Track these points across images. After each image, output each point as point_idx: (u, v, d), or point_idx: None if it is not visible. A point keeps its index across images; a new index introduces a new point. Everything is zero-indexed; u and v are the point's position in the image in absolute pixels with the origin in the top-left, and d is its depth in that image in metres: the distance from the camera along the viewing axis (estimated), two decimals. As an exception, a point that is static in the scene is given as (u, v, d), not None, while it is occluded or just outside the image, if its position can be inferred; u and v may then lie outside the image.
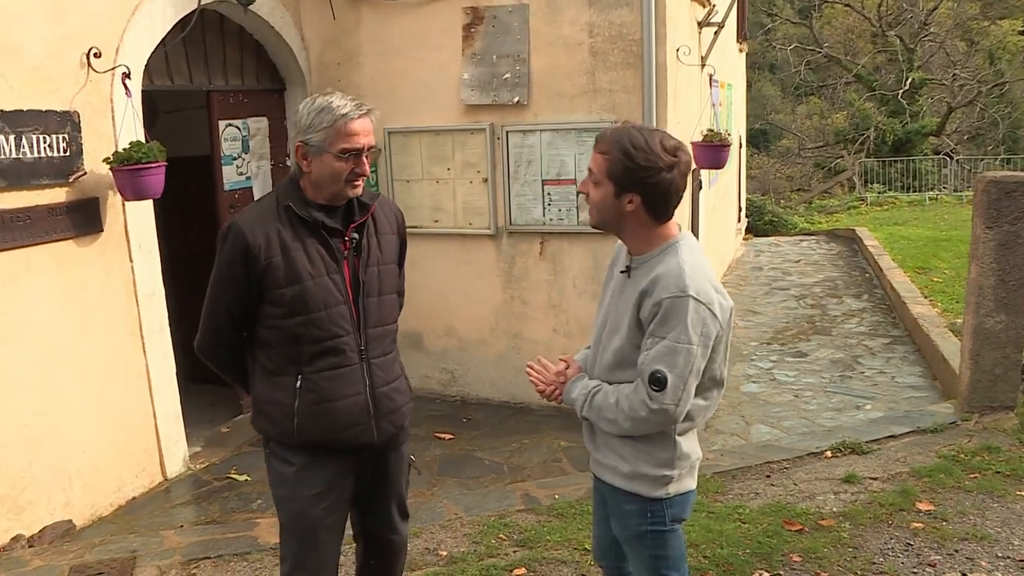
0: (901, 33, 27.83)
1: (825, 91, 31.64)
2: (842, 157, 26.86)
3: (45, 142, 4.48)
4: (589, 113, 6.04)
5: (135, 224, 5.06)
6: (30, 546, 4.49)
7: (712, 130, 6.39)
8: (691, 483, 2.57)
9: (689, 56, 6.47)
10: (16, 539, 4.48)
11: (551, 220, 6.28)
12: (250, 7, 5.76)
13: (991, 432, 5.42)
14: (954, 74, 26.69)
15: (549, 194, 6.24)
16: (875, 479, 4.82)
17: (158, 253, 5.25)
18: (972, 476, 4.79)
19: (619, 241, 2.61)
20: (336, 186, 2.63)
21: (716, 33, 7.52)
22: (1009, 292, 5.58)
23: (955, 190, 20.98)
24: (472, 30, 6.23)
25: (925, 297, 9.07)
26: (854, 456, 5.21)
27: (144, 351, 5.15)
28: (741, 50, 12.71)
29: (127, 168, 4.67)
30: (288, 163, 6.67)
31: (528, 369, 2.67)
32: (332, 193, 2.65)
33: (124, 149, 4.72)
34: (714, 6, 7.43)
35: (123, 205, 4.97)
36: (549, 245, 6.33)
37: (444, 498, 4.90)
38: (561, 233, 6.28)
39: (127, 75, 4.84)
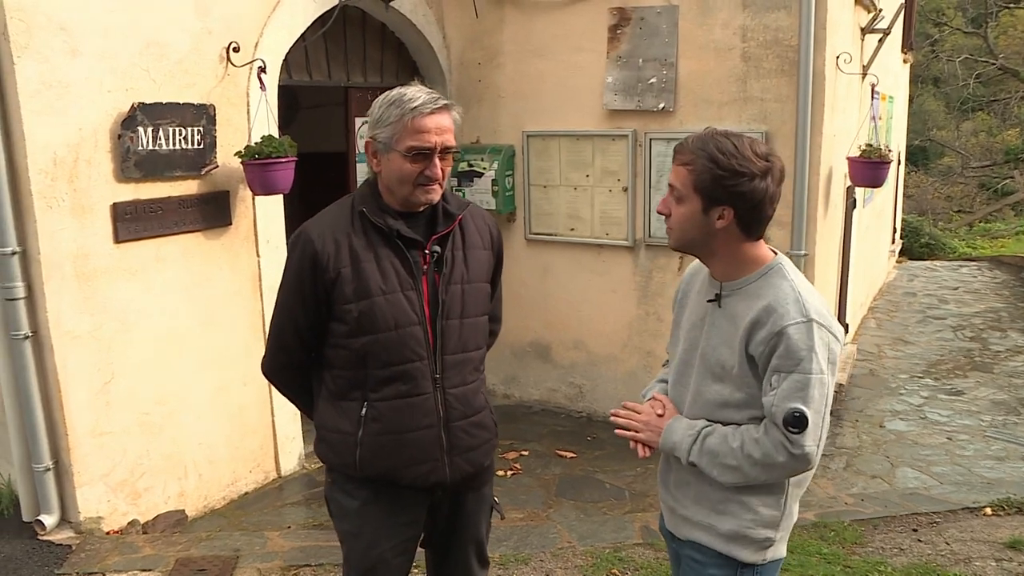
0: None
1: (996, 106, 29.54)
2: (1012, 178, 24.99)
3: (180, 134, 4.49)
4: (739, 122, 5.65)
5: (264, 219, 5.05)
6: (144, 532, 4.52)
7: (871, 145, 5.88)
8: (784, 549, 2.23)
9: (850, 64, 5.98)
10: (132, 524, 4.53)
11: (689, 234, 5.91)
12: (392, 4, 5.68)
13: None
14: None
15: (689, 207, 5.88)
16: (1047, 548, 4.26)
17: (285, 250, 5.21)
18: None
19: (694, 263, 2.30)
20: (404, 190, 2.33)
21: (881, 40, 6.96)
22: None
23: None
24: (618, 31, 5.95)
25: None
26: (1021, 517, 4.64)
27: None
28: (905, 61, 11.88)
29: (257, 162, 4.64)
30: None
31: (613, 415, 2.32)
32: (402, 198, 2.36)
33: (255, 143, 4.70)
34: (880, 11, 6.88)
35: (253, 199, 4.95)
36: (689, 260, 5.93)
37: (558, 522, 4.65)
38: (699, 249, 5.91)
39: (263, 69, 4.81)
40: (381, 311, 2.32)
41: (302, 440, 5.48)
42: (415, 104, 2.29)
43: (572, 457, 5.80)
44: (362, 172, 6.01)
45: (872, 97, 7.35)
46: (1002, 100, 29.09)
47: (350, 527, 2.49)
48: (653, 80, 5.87)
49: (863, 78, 6.89)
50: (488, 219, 2.63)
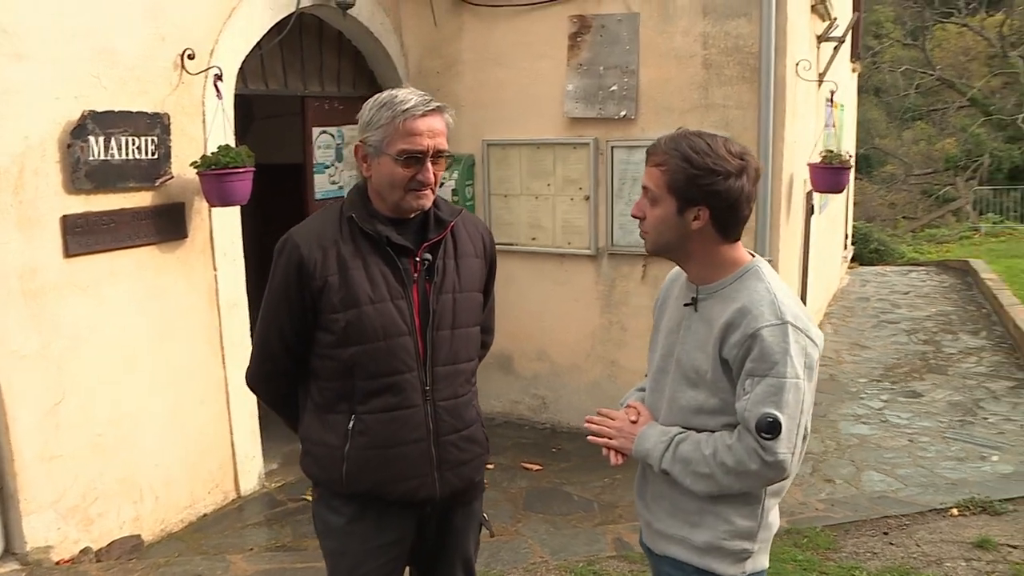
0: None
1: (934, 116, 30.29)
2: (952, 184, 25.61)
3: (133, 144, 4.33)
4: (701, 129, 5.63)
5: (220, 231, 4.89)
6: (97, 560, 4.32)
7: (831, 151, 5.92)
8: (765, 560, 2.17)
9: (808, 72, 6.02)
10: (84, 552, 4.33)
11: (653, 242, 5.88)
12: (349, 11, 5.57)
13: None
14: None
15: (652, 214, 5.85)
16: (1014, 547, 4.28)
17: (243, 262, 5.06)
18: None
19: (674, 269, 2.24)
20: (395, 195, 2.25)
21: (836, 48, 7.03)
22: None
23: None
24: (578, 39, 5.91)
25: (1057, 340, 8.37)
26: (986, 516, 4.67)
27: (223, 363, 4.97)
28: (854, 70, 12.08)
29: (214, 172, 4.49)
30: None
31: (588, 422, 2.24)
32: (393, 203, 2.27)
33: (212, 153, 4.55)
34: (835, 20, 6.95)
35: (209, 211, 4.80)
36: (652, 269, 5.94)
37: (529, 537, 4.56)
38: (664, 256, 5.88)
39: (219, 77, 4.68)
40: (369, 321, 2.23)
41: (262, 459, 5.31)
42: (407, 106, 2.20)
43: (538, 470, 5.71)
44: (320, 183, 5.88)
45: (828, 104, 7.44)
46: (940, 110, 29.83)
47: (335, 545, 2.39)
48: (614, 88, 5.84)
49: (819, 85, 6.95)
50: (481, 226, 2.55)
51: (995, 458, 5.82)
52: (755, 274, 2.06)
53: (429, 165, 2.24)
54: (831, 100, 7.47)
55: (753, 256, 2.12)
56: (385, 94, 2.27)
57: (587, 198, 6.07)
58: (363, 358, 2.24)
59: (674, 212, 2.02)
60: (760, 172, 2.05)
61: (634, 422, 2.18)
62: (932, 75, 27.27)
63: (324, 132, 5.87)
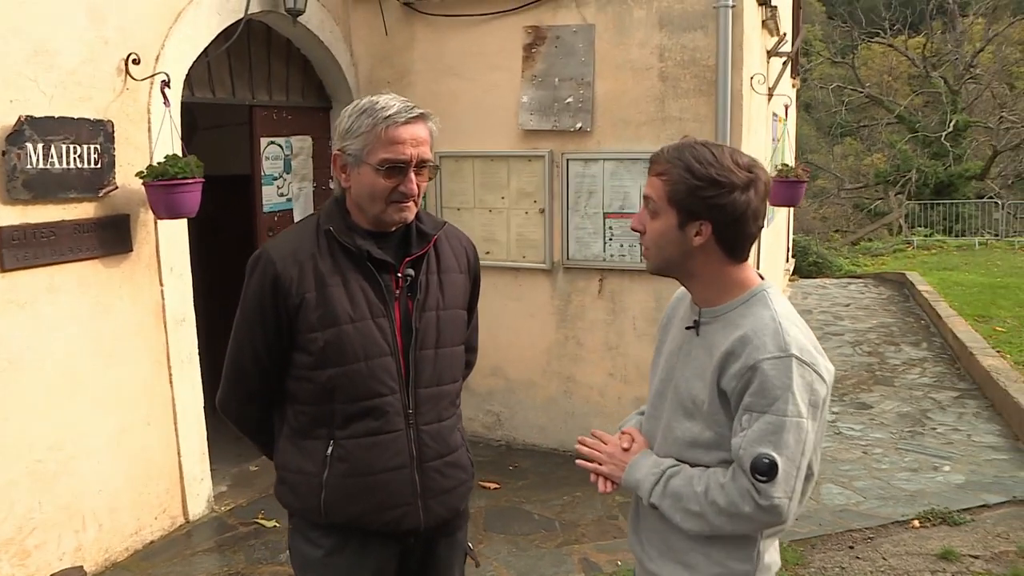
0: (944, 75, 27.38)
1: (863, 132, 31.13)
2: (883, 199, 26.29)
3: (75, 152, 4.11)
4: (657, 143, 5.60)
5: (167, 245, 4.68)
6: (36, 595, 4.07)
7: (787, 165, 5.94)
8: None
9: (761, 86, 6.05)
10: (21, 587, 4.06)
11: (612, 256, 5.83)
12: (299, 19, 5.41)
13: (1102, 506, 4.93)
14: (1001, 116, 26.10)
15: (611, 228, 5.80)
16: (976, 557, 4.32)
17: (190, 277, 4.85)
18: (1087, 559, 4.29)
19: (680, 289, 2.13)
20: (376, 207, 2.14)
21: (784, 63, 7.10)
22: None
23: (1004, 235, 20.49)
24: (533, 50, 5.84)
25: (994, 348, 8.55)
26: (946, 527, 4.72)
27: (171, 382, 4.74)
28: (794, 86, 12.28)
29: (161, 183, 4.29)
30: (331, 185, 6.30)
31: (579, 444, 2.13)
32: (373, 216, 2.16)
33: (159, 163, 4.35)
34: (785, 34, 7.02)
35: (155, 224, 4.59)
36: (609, 283, 5.89)
37: (493, 559, 4.44)
38: (622, 270, 5.83)
39: (166, 84, 4.48)
40: (349, 340, 2.11)
41: (211, 481, 5.09)
42: (389, 112, 2.09)
43: (496, 488, 5.58)
44: (268, 195, 5.69)
45: (774, 119, 7.51)
46: (868, 126, 30.67)
47: None
48: (570, 100, 5.78)
49: (769, 100, 7.00)
50: (465, 240, 2.44)
51: (947, 468, 5.88)
52: (762, 300, 1.93)
53: (412, 176, 2.13)
54: (776, 115, 7.54)
55: (762, 279, 2.00)
56: (365, 100, 2.15)
57: (542, 211, 6.00)
58: (342, 380, 2.12)
59: (675, 226, 1.90)
60: (770, 186, 1.94)
61: (626, 449, 2.07)
62: (861, 92, 28.00)
63: (272, 143, 5.69)
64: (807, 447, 1.83)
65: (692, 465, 1.95)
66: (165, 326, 4.69)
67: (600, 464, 2.08)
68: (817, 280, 15.10)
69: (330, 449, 2.15)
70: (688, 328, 2.00)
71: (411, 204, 2.16)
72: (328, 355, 2.11)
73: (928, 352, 9.33)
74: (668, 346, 2.10)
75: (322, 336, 2.10)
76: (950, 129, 25.28)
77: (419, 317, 2.20)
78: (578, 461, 2.12)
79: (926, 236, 20.52)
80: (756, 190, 1.88)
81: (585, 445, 2.12)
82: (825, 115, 30.81)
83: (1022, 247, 18.93)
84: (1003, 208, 21.74)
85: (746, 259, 1.95)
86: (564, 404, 6.15)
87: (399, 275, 2.19)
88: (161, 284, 4.66)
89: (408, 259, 2.21)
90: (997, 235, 20.64)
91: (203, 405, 4.95)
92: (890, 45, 28.84)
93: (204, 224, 5.06)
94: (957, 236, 20.63)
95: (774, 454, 1.78)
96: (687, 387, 1.96)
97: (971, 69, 27.32)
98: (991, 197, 23.39)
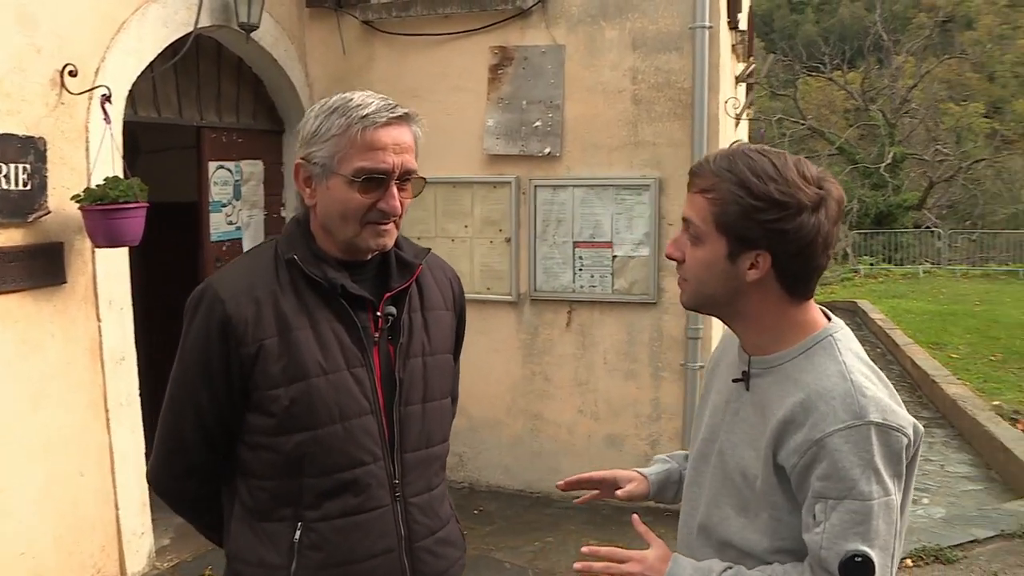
0: (883, 108, 28.05)
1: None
2: (826, 229, 26.68)
3: (1, 172, 3.68)
4: (630, 168, 5.37)
5: (106, 276, 4.25)
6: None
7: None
8: None
9: (736, 110, 5.87)
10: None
11: (582, 287, 5.55)
12: (252, 36, 5.06)
13: (1089, 538, 4.82)
14: (936, 149, 26.82)
15: (581, 258, 5.53)
16: (977, 600, 4.11)
17: (132, 311, 4.43)
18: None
19: (726, 329, 1.75)
20: (348, 230, 1.73)
21: (749, 88, 6.96)
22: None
23: (944, 263, 20.97)
24: (499, 72, 5.57)
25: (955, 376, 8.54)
26: (940, 566, 4.57)
27: (108, 427, 4.29)
28: (748, 115, 12.25)
29: (100, 208, 3.87)
30: (283, 213, 5.92)
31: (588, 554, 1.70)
32: (345, 241, 1.76)
33: (98, 186, 3.93)
34: (752, 60, 6.88)
35: (92, 253, 4.16)
36: (578, 315, 5.60)
37: (466, 618, 4.06)
38: (592, 302, 5.55)
39: (107, 99, 4.08)
40: (321, 398, 1.70)
41: (152, 535, 4.61)
42: (366, 111, 1.69)
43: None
44: (216, 223, 5.29)
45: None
46: (810, 157, 30.85)
47: None
48: (538, 123, 5.52)
49: (736, 126, 6.85)
50: (449, 272, 2.04)
51: (925, 500, 5.80)
52: (827, 348, 1.55)
53: (394, 190, 1.73)
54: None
55: (830, 320, 1.62)
56: (336, 97, 1.75)
57: (508, 240, 5.70)
58: (314, 447, 1.71)
59: (723, 256, 1.54)
60: (843, 205, 1.56)
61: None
62: (803, 124, 28.46)
63: (221, 167, 5.30)
64: (899, 524, 1.49)
65: (742, 551, 1.59)
66: (102, 365, 4.25)
67: None
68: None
69: (298, 534, 1.73)
70: (736, 380, 1.66)
71: (392, 226, 1.76)
72: (295, 416, 1.70)
73: (888, 380, 9.26)
74: (713, 398, 1.75)
75: (287, 393, 1.70)
76: (888, 160, 25.91)
77: (403, 365, 1.80)
78: None
79: (871, 265, 20.87)
80: (828, 210, 1.51)
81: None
82: (767, 147, 31.26)
83: (963, 275, 19.30)
84: (943, 238, 22.23)
85: (809, 296, 1.60)
86: (531, 443, 5.83)
87: (378, 314, 1.79)
88: (98, 319, 4.22)
89: (389, 294, 1.81)
90: (937, 263, 21.10)
91: (144, 451, 4.51)
92: (830, 79, 29.46)
93: (145, 255, 4.66)
94: (899, 264, 21.04)
95: (865, 549, 1.43)
96: (735, 455, 1.61)
97: (906, 104, 28.05)
98: (928, 226, 23.95)
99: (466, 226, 5.80)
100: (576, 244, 5.54)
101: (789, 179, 1.49)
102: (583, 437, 5.69)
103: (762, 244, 1.51)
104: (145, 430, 4.51)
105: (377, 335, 1.79)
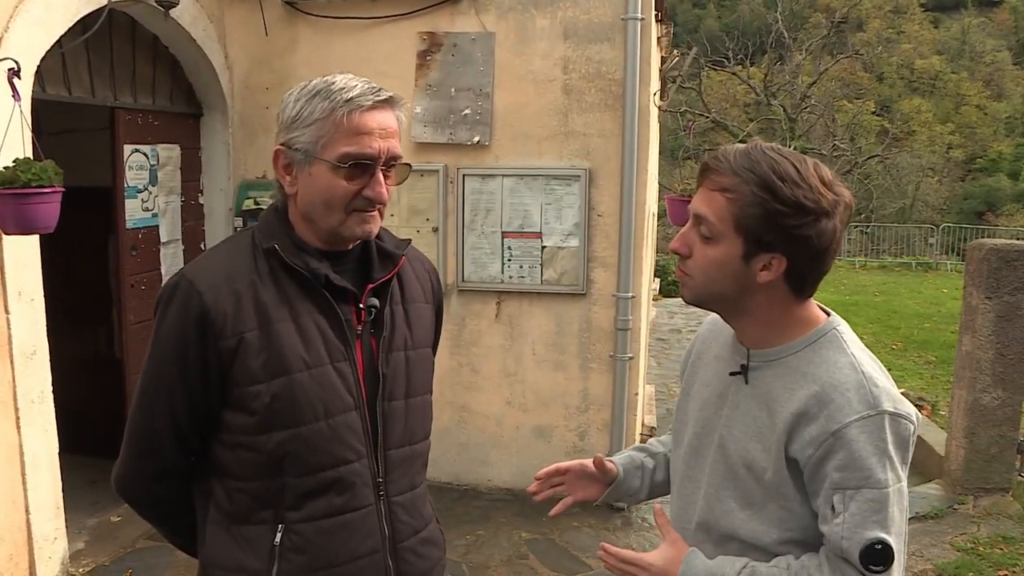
0: (783, 103, 28.89)
1: (705, 156, 32.36)
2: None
3: (-98, 154, 3.41)
4: (560, 158, 5.35)
5: (15, 265, 3.98)
6: None
7: (689, 183, 5.81)
8: None
9: (661, 102, 5.91)
10: None
11: (510, 277, 5.51)
12: (171, 13, 4.82)
13: (996, 518, 5.09)
14: (833, 144, 27.79)
15: (509, 248, 5.48)
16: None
17: (43, 302, 4.17)
18: (1000, 573, 4.33)
19: (710, 318, 1.79)
20: (332, 218, 1.68)
21: (674, 80, 7.03)
22: (1008, 367, 5.31)
23: (843, 255, 21.74)
24: (428, 58, 5.46)
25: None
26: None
27: (18, 426, 4.03)
28: (660, 108, 12.40)
29: (10, 192, 3.61)
30: (201, 200, 5.69)
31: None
32: (328, 229, 1.70)
33: (6, 168, 3.67)
34: (676, 53, 6.96)
35: (0, 240, 3.90)
36: (507, 306, 5.56)
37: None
38: (521, 293, 5.52)
39: (15, 72, 3.80)
40: (304, 393, 1.64)
41: (66, 540, 4.36)
42: (351, 94, 1.63)
43: (390, 530, 5.13)
44: (131, 209, 5.04)
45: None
46: (712, 150, 31.73)
47: None
48: (467, 111, 5.44)
49: (658, 117, 6.90)
50: (428, 264, 2.00)
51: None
52: (834, 342, 1.57)
53: (380, 176, 1.67)
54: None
55: (828, 314, 1.64)
56: (317, 80, 1.68)
57: (435, 230, 5.61)
58: (296, 446, 1.64)
59: (737, 256, 1.53)
60: (852, 208, 1.56)
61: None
62: (708, 117, 29.06)
63: (137, 151, 5.04)
64: (906, 509, 1.52)
65: (747, 543, 1.59)
66: (12, 360, 3.98)
67: None
68: (678, 299, 15.32)
69: (279, 537, 1.67)
70: (733, 373, 1.64)
71: (376, 213, 1.72)
72: (277, 413, 1.63)
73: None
74: (700, 391, 1.74)
75: (268, 389, 1.62)
76: (788, 155, 26.64)
77: (386, 360, 1.76)
78: None
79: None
80: (840, 215, 1.52)
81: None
82: (668, 138, 31.84)
83: (862, 266, 20.05)
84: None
85: (813, 293, 1.61)
86: (458, 435, 5.76)
87: (360, 306, 1.74)
88: (7, 311, 3.95)
89: (372, 286, 1.76)
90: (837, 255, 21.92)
91: (57, 451, 4.26)
92: (733, 73, 30.17)
93: (54, 243, 4.39)
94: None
95: (884, 536, 1.46)
96: (738, 449, 1.60)
97: (806, 100, 28.96)
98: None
99: (392, 215, 5.67)
100: (505, 234, 5.49)
101: (812, 184, 1.49)
102: (511, 428, 5.66)
103: (780, 247, 1.51)
104: (60, 429, 4.27)
105: (360, 328, 1.74)
